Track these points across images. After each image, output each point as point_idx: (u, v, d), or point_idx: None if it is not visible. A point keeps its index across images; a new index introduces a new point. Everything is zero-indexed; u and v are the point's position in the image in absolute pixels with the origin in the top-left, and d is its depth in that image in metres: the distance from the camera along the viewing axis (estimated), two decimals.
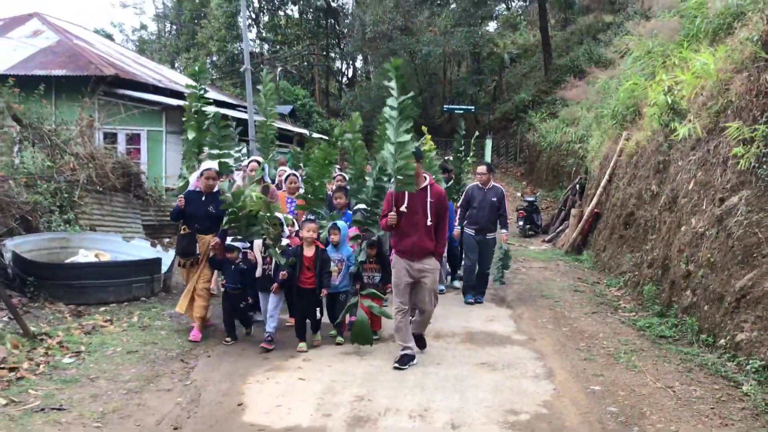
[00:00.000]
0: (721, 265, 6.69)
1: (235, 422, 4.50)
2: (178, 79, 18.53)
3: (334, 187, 8.55)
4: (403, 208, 5.87)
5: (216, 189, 6.75)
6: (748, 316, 5.94)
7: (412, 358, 5.89)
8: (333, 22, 42.59)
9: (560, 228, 16.39)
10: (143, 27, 53.48)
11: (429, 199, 5.89)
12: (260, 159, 8.14)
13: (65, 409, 4.55)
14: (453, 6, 35.42)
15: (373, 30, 32.74)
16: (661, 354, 6.13)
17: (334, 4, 41.50)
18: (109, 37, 45.11)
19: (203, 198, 6.73)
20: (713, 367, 5.59)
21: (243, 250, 6.73)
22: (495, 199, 8.83)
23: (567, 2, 35.86)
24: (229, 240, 6.74)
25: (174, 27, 51.11)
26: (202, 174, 6.81)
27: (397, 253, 6.03)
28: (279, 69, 33.48)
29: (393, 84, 5.89)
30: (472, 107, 34.16)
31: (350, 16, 40.48)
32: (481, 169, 9.05)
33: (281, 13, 43.19)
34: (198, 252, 6.68)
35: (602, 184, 13.39)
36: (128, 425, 4.39)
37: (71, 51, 14.99)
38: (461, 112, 33.70)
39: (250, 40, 44.42)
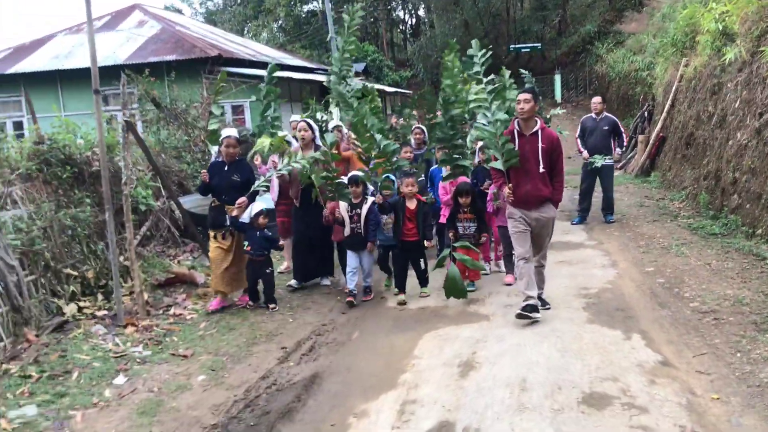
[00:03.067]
0: (759, 170, 7.96)
1: (383, 306, 6.37)
2: (266, 51, 20.32)
3: (413, 142, 8.65)
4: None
5: (239, 157, 6.69)
6: None
7: (534, 308, 5.52)
8: None
9: (631, 155, 17.43)
10: None
11: (540, 145, 5.55)
12: (309, 120, 7.62)
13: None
14: None
15: None
16: (707, 245, 7.60)
17: None
18: (179, 11, 47.56)
19: (226, 168, 6.54)
20: (746, 249, 7.04)
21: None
22: (607, 127, 9.83)
23: None
24: (259, 205, 6.62)
25: None
26: (221, 143, 6.61)
27: (512, 203, 5.72)
28: None
29: (478, 67, 6.53)
30: (539, 44, 34.60)
31: None
32: (596, 99, 10.14)
33: None
34: (228, 223, 6.49)
35: (666, 109, 14.38)
36: (311, 312, 6.30)
37: (176, 37, 17.01)
38: (528, 50, 34.26)
39: (314, 0, 45.96)
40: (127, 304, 6.37)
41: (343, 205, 6.69)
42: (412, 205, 6.62)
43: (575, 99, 31.23)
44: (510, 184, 5.66)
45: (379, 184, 7.01)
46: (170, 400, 4.47)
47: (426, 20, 45.30)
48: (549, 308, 5.80)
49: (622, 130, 10.29)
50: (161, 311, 6.45)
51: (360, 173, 6.87)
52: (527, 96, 5.57)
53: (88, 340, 5.52)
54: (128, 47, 16.73)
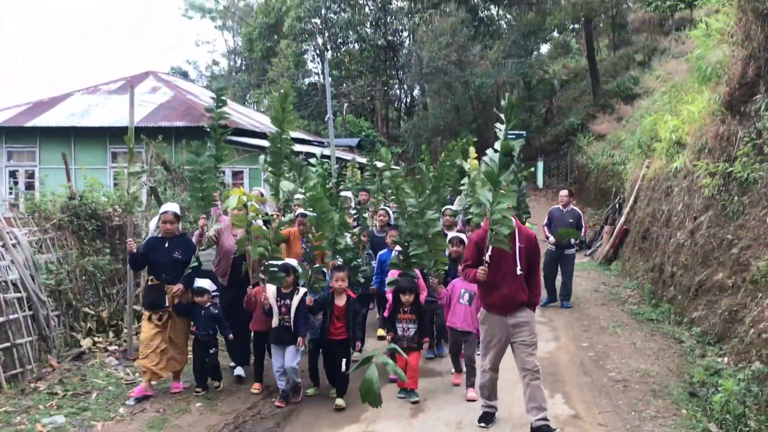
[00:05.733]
0: (690, 266, 9.20)
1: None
2: (267, 122, 21.83)
3: (377, 225, 8.94)
4: (486, 258, 5.18)
5: (180, 233, 6.36)
6: (701, 301, 8.46)
7: (493, 416, 5.48)
8: (392, 55, 45.83)
9: (599, 244, 18.76)
10: (215, 63, 57.88)
11: (518, 245, 5.17)
12: (263, 190, 6.96)
13: None
14: (504, 36, 38.14)
15: (429, 65, 35.63)
16: (639, 327, 8.75)
17: (391, 38, 44.74)
18: (185, 74, 49.74)
19: (166, 244, 6.20)
20: (670, 333, 8.20)
21: (213, 293, 6.39)
22: (572, 220, 10.66)
23: (618, 24, 37.81)
24: (198, 282, 6.28)
25: (244, 64, 55.35)
26: (159, 218, 6.32)
27: (485, 307, 5.39)
28: (345, 105, 36.65)
29: (501, 126, 5.57)
30: (524, 132, 36.48)
31: (408, 50, 43.53)
32: (563, 192, 11.08)
33: (344, 49, 46.62)
34: (167, 304, 6.17)
35: (630, 204, 15.80)
36: None
37: (186, 104, 18.45)
38: (513, 137, 36.10)
39: (315, 74, 48.34)
40: (135, 343, 7.37)
41: (271, 292, 6.04)
42: (341, 301, 6.06)
43: (556, 186, 32.74)
44: (485, 268, 5.16)
45: (310, 278, 6.27)
46: (173, 419, 5.49)
47: (419, 102, 47.48)
48: None
49: (584, 224, 11.47)
50: None
51: (293, 261, 6.20)
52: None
53: (103, 368, 6.57)
54: (141, 111, 18.01)
